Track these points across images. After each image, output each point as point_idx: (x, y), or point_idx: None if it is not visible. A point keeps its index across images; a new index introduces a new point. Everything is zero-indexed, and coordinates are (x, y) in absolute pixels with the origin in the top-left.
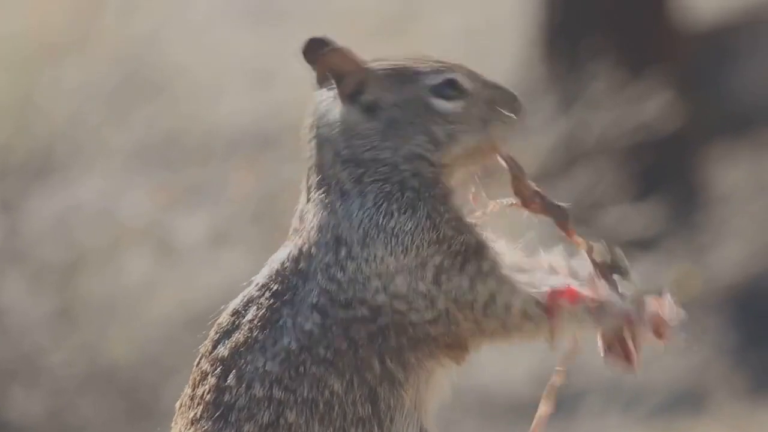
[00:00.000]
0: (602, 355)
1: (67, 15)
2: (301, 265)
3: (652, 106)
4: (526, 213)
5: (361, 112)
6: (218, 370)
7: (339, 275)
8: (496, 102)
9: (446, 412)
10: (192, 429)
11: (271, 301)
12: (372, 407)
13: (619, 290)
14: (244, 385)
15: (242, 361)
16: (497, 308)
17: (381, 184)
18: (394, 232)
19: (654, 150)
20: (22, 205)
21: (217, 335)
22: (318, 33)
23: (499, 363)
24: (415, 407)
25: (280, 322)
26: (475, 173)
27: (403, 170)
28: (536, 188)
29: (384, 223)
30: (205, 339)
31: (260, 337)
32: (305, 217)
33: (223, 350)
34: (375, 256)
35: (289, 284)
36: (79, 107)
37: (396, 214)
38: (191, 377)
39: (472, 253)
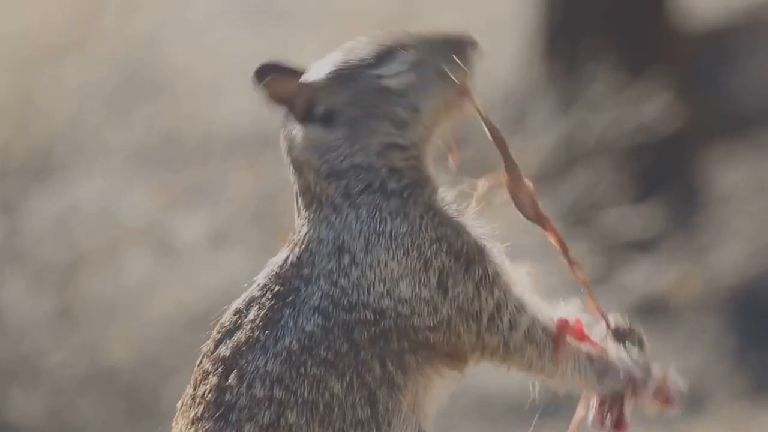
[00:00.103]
0: (590, 417)
1: (66, 15)
2: (304, 270)
3: (652, 107)
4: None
5: (322, 126)
6: (220, 369)
7: (343, 281)
8: (444, 52)
9: (445, 414)
10: (193, 428)
11: (273, 301)
12: (371, 410)
13: (628, 356)
14: (245, 385)
15: (243, 360)
16: (502, 324)
17: (368, 195)
18: (393, 236)
19: (654, 151)
20: (22, 206)
21: (219, 335)
22: (317, 35)
23: (516, 367)
24: (413, 412)
25: (282, 322)
26: (451, 134)
27: (380, 170)
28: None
29: (381, 228)
30: (206, 339)
31: (261, 336)
32: (301, 232)
33: (224, 350)
34: (379, 261)
35: (291, 286)
36: (78, 107)
37: (389, 220)
38: (193, 376)
39: (475, 253)
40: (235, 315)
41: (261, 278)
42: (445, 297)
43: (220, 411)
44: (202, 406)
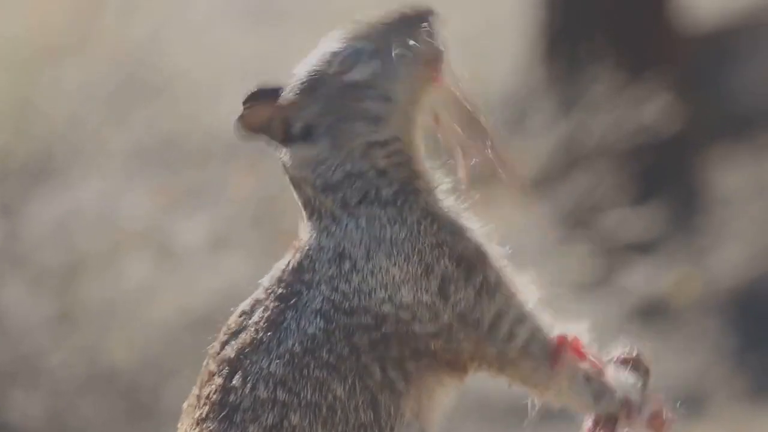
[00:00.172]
0: None
1: (66, 16)
2: (306, 276)
3: (652, 109)
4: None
5: (303, 143)
6: (225, 370)
7: (344, 286)
8: (402, 30)
9: (446, 415)
10: (197, 429)
11: (276, 303)
12: (374, 414)
13: (626, 379)
14: (248, 386)
15: (248, 362)
16: (500, 334)
17: (366, 206)
18: (393, 242)
19: (654, 152)
20: (22, 208)
21: (225, 336)
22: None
23: (512, 380)
24: (417, 417)
25: (284, 324)
26: (432, 118)
27: (369, 175)
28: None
29: (382, 235)
30: (207, 341)
31: (265, 338)
32: (303, 239)
33: (230, 351)
34: (380, 268)
35: (293, 290)
36: (78, 109)
37: (388, 227)
38: (199, 377)
39: (476, 259)
40: (240, 317)
41: (266, 281)
42: (446, 303)
43: (225, 412)
44: (207, 407)
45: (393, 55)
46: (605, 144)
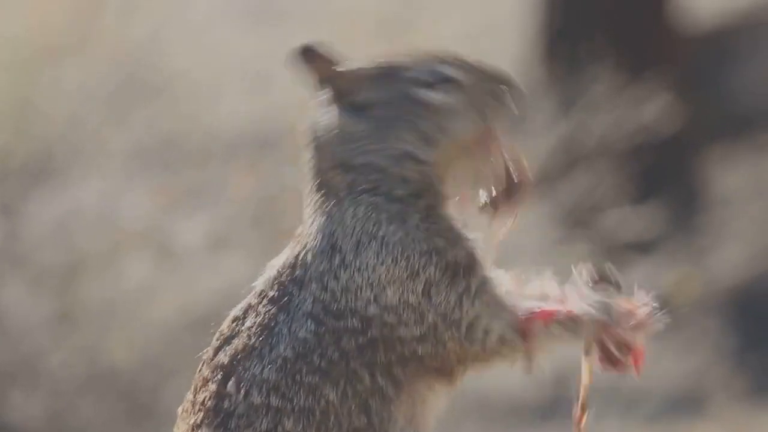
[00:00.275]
0: (599, 364)
1: (66, 16)
2: (297, 272)
3: (651, 109)
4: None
5: (352, 114)
6: (218, 376)
7: (332, 284)
8: (485, 86)
9: (444, 415)
10: None
11: (268, 307)
12: (367, 419)
13: (590, 302)
14: (242, 392)
15: (241, 368)
16: (478, 331)
17: (371, 195)
18: (384, 242)
19: (654, 152)
20: (22, 208)
21: (218, 342)
22: (317, 35)
23: (498, 365)
24: (410, 423)
25: (276, 329)
26: (470, 174)
27: (392, 175)
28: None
29: (374, 231)
30: (206, 342)
31: (257, 344)
32: (305, 222)
33: (223, 357)
34: (367, 265)
35: (285, 291)
36: (78, 109)
37: (385, 224)
38: (193, 383)
39: (463, 267)
40: (233, 322)
41: (259, 285)
42: (430, 303)
43: (220, 418)
44: (201, 413)
45: (470, 102)
46: (605, 144)
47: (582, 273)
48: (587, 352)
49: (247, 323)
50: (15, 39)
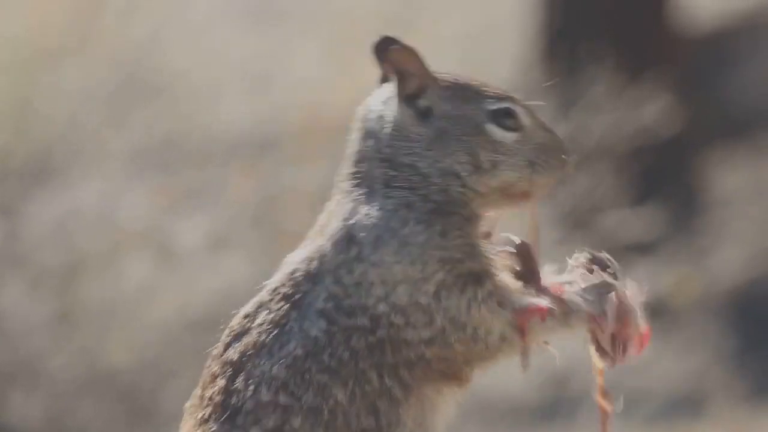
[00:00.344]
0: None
1: (66, 17)
2: (313, 265)
3: (651, 110)
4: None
5: (415, 115)
6: (228, 372)
7: (346, 278)
8: (546, 146)
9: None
10: (200, 429)
11: (281, 304)
12: (375, 421)
13: (582, 298)
14: (251, 389)
15: (250, 364)
16: (482, 332)
17: (407, 192)
18: (406, 241)
19: (653, 153)
20: (22, 209)
21: (228, 338)
22: (317, 35)
23: (499, 367)
24: (419, 427)
25: (287, 327)
26: (498, 216)
27: (433, 183)
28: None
29: (398, 228)
30: (206, 342)
31: (268, 341)
32: (329, 205)
33: (233, 353)
34: (383, 262)
35: (298, 288)
36: (78, 110)
37: (411, 223)
38: (201, 378)
39: (475, 277)
40: (244, 319)
41: (272, 282)
42: (439, 306)
43: (227, 414)
44: (209, 408)
45: (527, 150)
46: (605, 145)
47: (579, 260)
48: (593, 340)
49: (258, 320)
50: (15, 40)
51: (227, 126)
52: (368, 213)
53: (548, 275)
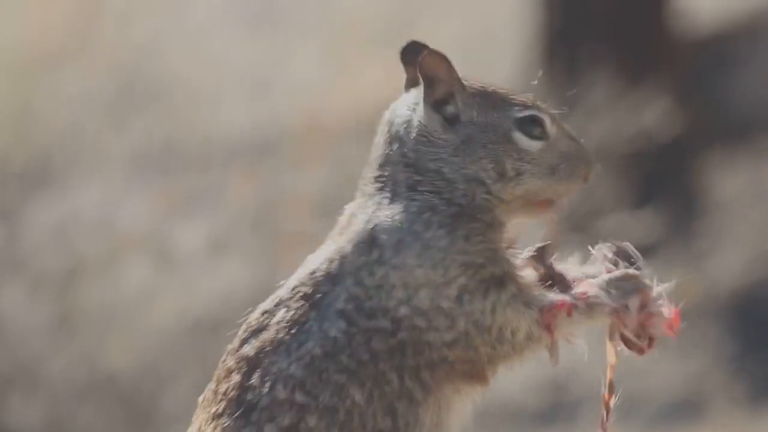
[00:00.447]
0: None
1: (65, 23)
2: (334, 266)
3: (650, 114)
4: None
5: (442, 121)
6: (243, 368)
7: (367, 280)
8: (571, 155)
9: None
10: (213, 424)
11: (300, 303)
12: (392, 422)
13: (606, 292)
14: (267, 386)
15: (267, 361)
16: (508, 333)
17: (431, 196)
18: (428, 245)
19: (653, 157)
20: (21, 214)
21: (245, 334)
22: (317, 40)
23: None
24: (436, 427)
25: (306, 326)
26: (520, 225)
27: (457, 189)
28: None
29: (421, 232)
30: (205, 346)
31: (286, 338)
32: (350, 207)
33: (249, 349)
34: (404, 265)
35: (318, 288)
36: (77, 115)
37: (435, 227)
38: (216, 373)
39: (497, 281)
40: (262, 315)
41: (292, 280)
42: (462, 310)
43: (242, 409)
44: (223, 403)
45: (553, 159)
46: (604, 149)
47: (602, 251)
48: (611, 336)
49: (277, 317)
50: (15, 44)
51: (227, 130)
52: (391, 216)
53: (572, 268)
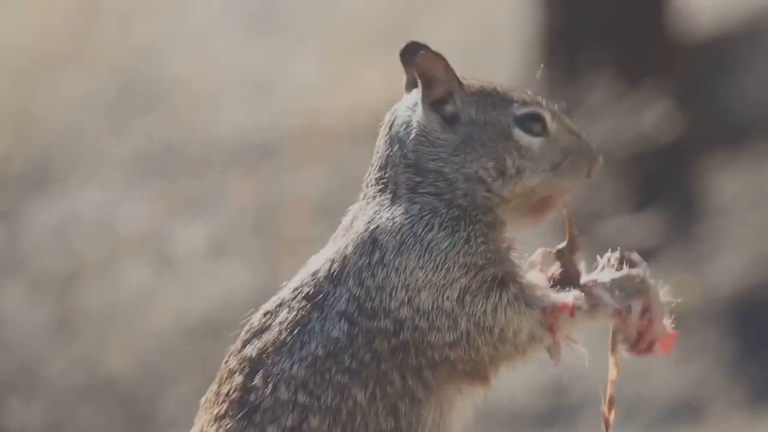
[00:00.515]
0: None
1: (65, 26)
2: (335, 267)
3: (650, 116)
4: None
5: (441, 121)
6: (246, 369)
7: (369, 281)
8: (572, 150)
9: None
10: (215, 425)
11: (302, 304)
12: (395, 422)
13: (608, 294)
14: (269, 387)
15: (269, 362)
16: (509, 333)
17: (432, 198)
18: (429, 247)
19: (653, 160)
20: (21, 215)
21: (248, 335)
22: (317, 42)
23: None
24: (437, 427)
25: (309, 326)
26: (525, 222)
27: (458, 188)
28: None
29: (422, 234)
30: (204, 348)
31: (288, 339)
32: (352, 209)
33: (251, 350)
34: (406, 267)
35: (320, 288)
36: (77, 116)
37: (436, 229)
38: (218, 374)
39: (499, 282)
40: (264, 316)
41: (294, 281)
42: (463, 311)
43: (244, 411)
44: (225, 404)
45: (553, 154)
46: (604, 151)
47: (609, 259)
48: (613, 349)
49: (279, 318)
50: (15, 47)
51: (227, 132)
52: (392, 217)
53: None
